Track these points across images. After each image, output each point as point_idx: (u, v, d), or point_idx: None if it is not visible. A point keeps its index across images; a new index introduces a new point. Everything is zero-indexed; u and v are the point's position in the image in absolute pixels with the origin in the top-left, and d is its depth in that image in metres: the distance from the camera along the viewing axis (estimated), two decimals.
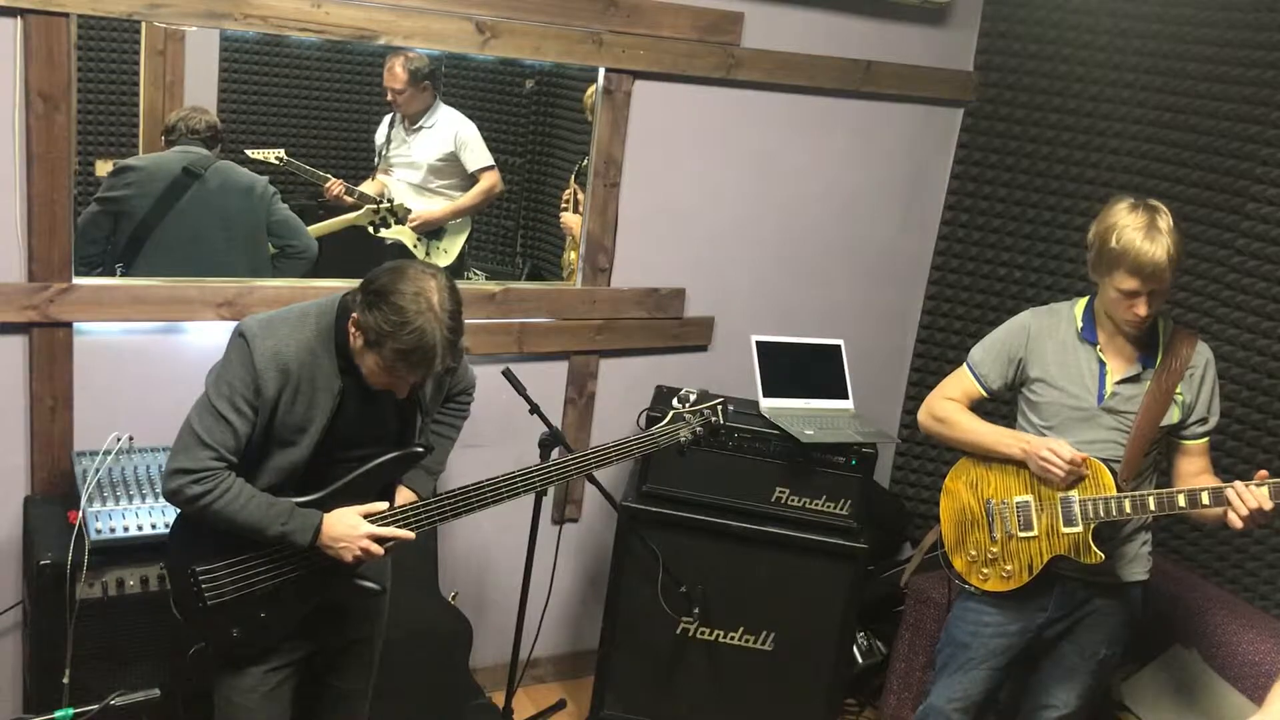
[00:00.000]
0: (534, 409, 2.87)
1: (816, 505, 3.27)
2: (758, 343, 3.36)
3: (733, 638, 3.34)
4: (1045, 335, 2.72)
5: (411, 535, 2.34)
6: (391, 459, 2.35)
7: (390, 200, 3.53)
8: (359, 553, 2.26)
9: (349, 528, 2.26)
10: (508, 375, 2.91)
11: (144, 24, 2.88)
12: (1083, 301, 2.73)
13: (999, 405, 3.65)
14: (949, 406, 2.81)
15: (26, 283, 2.73)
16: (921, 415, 2.88)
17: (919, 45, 3.73)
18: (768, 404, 3.31)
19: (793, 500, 3.27)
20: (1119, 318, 2.59)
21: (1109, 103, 3.61)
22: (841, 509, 3.26)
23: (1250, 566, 3.20)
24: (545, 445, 2.83)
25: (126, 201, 3.04)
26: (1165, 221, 2.51)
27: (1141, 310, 2.52)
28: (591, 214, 3.39)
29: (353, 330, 2.19)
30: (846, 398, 3.41)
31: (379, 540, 2.29)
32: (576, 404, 3.55)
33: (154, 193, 3.08)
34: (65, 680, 2.57)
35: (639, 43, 3.25)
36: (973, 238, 3.94)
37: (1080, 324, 2.69)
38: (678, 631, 3.31)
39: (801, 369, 3.39)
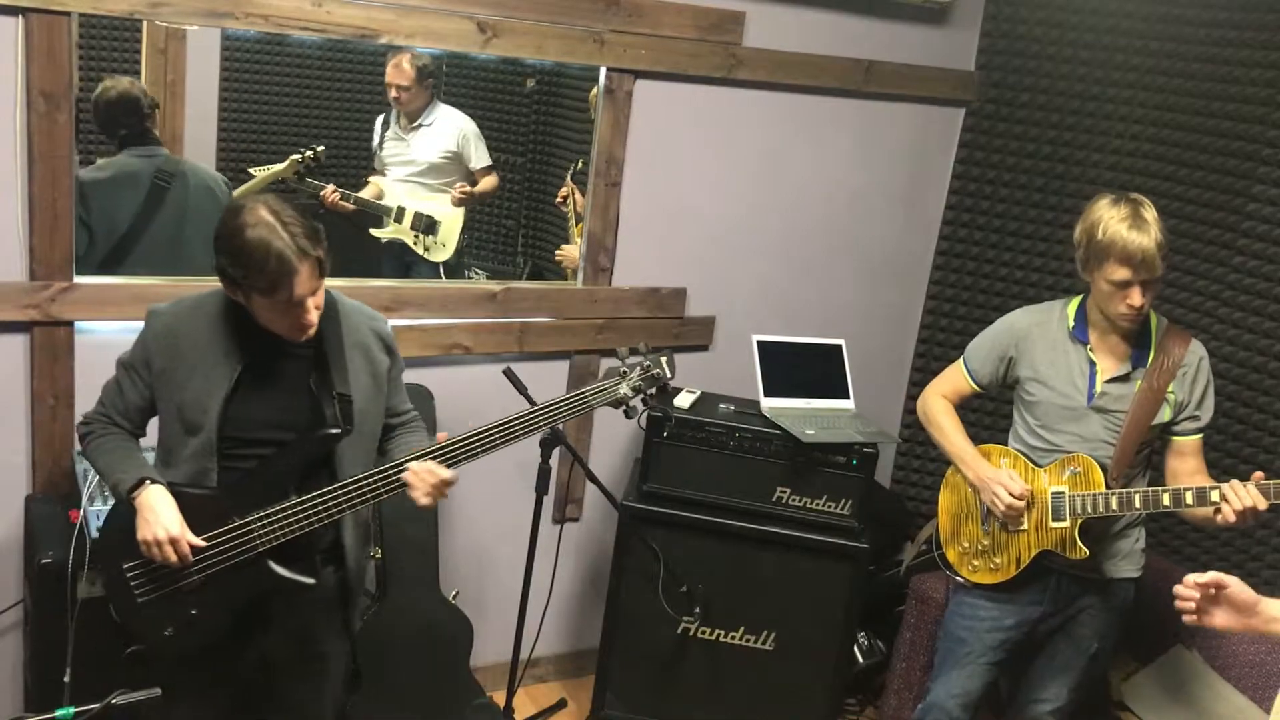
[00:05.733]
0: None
1: (817, 505, 3.27)
2: (759, 342, 3.36)
3: (733, 637, 3.34)
4: (1036, 334, 2.75)
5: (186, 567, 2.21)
6: (302, 440, 2.27)
7: (315, 150, 3.46)
8: (148, 535, 2.16)
9: (154, 512, 2.17)
10: (509, 374, 2.90)
11: (145, 23, 2.88)
12: (1075, 300, 2.75)
13: (999, 404, 3.68)
14: (939, 407, 2.89)
15: (28, 281, 2.73)
16: (919, 405, 2.97)
17: (920, 45, 3.73)
18: (769, 404, 3.31)
19: (794, 500, 3.26)
20: (1114, 312, 2.59)
21: (1109, 103, 3.61)
22: (842, 509, 3.26)
23: (1250, 567, 3.20)
24: (546, 445, 2.84)
25: (103, 217, 2.97)
26: (1150, 212, 2.53)
27: (1136, 300, 2.53)
28: (593, 213, 3.39)
29: (230, 294, 2.20)
30: (848, 397, 3.41)
31: (178, 548, 2.17)
32: None
33: (132, 206, 3.04)
34: (66, 679, 2.56)
35: (640, 42, 3.25)
36: (974, 238, 3.94)
37: (1072, 323, 2.72)
38: (678, 631, 3.31)
39: (803, 369, 3.39)
